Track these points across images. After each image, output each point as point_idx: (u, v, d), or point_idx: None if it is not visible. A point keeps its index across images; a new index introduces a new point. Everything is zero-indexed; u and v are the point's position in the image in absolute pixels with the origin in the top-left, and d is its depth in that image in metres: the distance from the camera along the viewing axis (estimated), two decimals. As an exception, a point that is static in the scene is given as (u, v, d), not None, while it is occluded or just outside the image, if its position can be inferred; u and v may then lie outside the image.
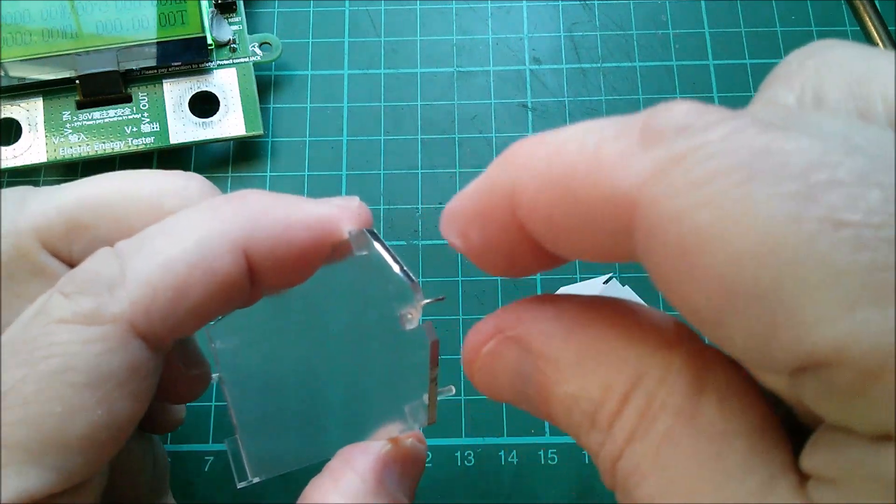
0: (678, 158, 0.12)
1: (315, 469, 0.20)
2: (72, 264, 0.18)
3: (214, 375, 0.21)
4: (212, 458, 0.29)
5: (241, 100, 0.33)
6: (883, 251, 0.10)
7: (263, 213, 0.18)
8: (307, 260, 0.18)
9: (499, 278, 0.32)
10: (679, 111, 0.13)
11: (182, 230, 0.17)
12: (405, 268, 0.18)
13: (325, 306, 0.21)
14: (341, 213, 0.18)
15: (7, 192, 0.19)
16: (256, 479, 0.20)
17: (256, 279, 0.18)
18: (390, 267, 0.18)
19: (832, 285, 0.10)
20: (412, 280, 0.17)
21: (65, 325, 0.16)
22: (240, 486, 0.20)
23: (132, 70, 0.32)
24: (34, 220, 0.18)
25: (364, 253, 0.18)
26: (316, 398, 0.22)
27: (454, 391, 0.20)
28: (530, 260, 0.15)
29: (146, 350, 0.16)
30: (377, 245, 0.18)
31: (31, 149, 0.32)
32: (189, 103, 0.33)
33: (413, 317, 0.17)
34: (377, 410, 0.20)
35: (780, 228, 0.10)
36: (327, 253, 0.18)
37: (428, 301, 0.17)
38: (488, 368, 0.16)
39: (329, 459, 0.20)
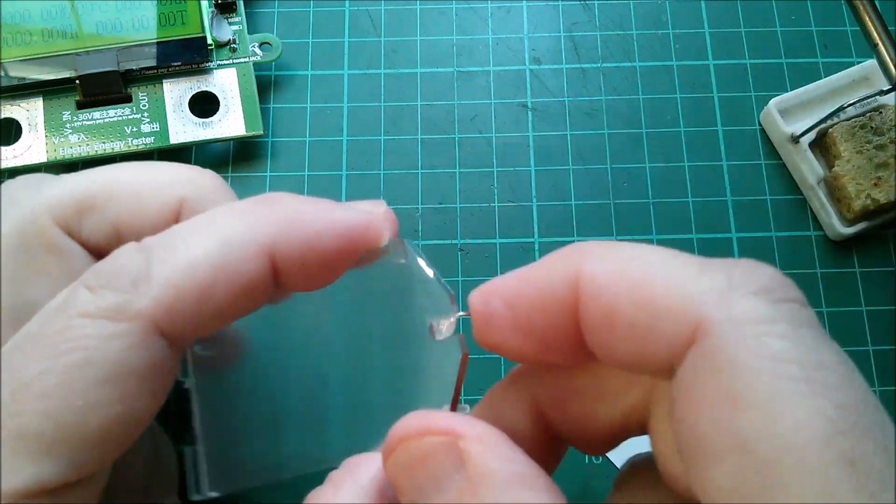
0: (750, 311, 0.13)
1: (318, 479, 0.19)
2: (83, 243, 0.19)
3: (187, 382, 0.20)
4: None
5: (241, 100, 0.33)
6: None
7: (293, 219, 0.17)
8: (333, 266, 0.18)
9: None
10: (765, 273, 0.14)
11: (210, 230, 0.17)
12: (442, 280, 0.18)
13: (336, 312, 0.21)
14: (371, 221, 0.18)
15: (27, 177, 0.20)
16: (214, 494, 0.20)
17: (281, 283, 0.18)
18: (430, 277, 0.18)
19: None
20: (450, 292, 0.17)
21: (89, 319, 0.16)
22: (193, 498, 0.19)
23: (132, 70, 0.32)
24: (48, 199, 0.19)
25: (402, 261, 0.18)
26: (312, 409, 0.21)
27: (469, 410, 0.19)
28: (559, 353, 0.16)
29: (166, 348, 0.16)
30: (415, 255, 0.18)
31: (31, 149, 0.32)
32: (189, 103, 0.33)
33: (447, 328, 0.18)
34: (386, 418, 0.20)
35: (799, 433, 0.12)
36: (354, 260, 0.18)
37: (463, 314, 0.18)
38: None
39: (306, 473, 0.20)
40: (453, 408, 0.18)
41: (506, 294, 0.16)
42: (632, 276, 0.15)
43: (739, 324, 0.13)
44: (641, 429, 0.17)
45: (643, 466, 0.17)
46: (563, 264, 0.16)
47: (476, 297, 0.17)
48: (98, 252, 0.19)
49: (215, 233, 0.17)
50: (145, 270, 0.16)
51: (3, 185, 0.20)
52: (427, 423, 0.16)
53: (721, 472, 0.13)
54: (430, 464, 0.15)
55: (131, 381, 0.16)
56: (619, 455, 0.25)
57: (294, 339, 0.22)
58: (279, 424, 0.21)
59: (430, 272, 0.18)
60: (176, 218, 0.19)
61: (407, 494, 0.16)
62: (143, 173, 0.20)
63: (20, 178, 0.20)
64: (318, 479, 0.19)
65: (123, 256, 0.17)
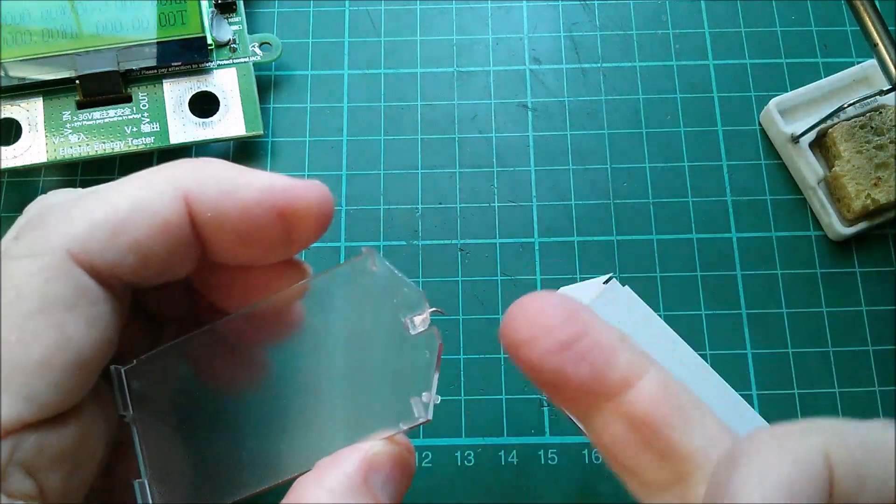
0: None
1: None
2: (107, 275, 0.18)
3: (127, 417, 0.20)
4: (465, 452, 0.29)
5: (241, 100, 0.33)
6: None
7: (210, 170, 0.18)
8: (254, 225, 0.18)
9: (498, 278, 0.32)
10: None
11: (130, 179, 0.18)
12: (410, 281, 0.19)
13: (308, 324, 0.21)
14: (294, 184, 0.19)
15: (40, 209, 0.18)
16: None
17: (203, 237, 0.18)
18: (402, 279, 0.19)
19: None
20: (421, 290, 0.19)
21: (14, 260, 0.17)
22: None
23: (132, 70, 0.32)
24: (68, 239, 0.17)
25: (374, 268, 0.19)
26: (278, 420, 0.21)
27: (439, 400, 0.20)
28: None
29: (89, 279, 0.17)
30: (384, 261, 0.19)
31: (31, 149, 0.32)
32: (189, 103, 0.33)
33: (421, 322, 0.19)
34: (370, 411, 0.20)
35: None
36: (284, 227, 0.19)
37: (434, 310, 0.19)
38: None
39: (268, 486, 0.20)
40: (434, 392, 0.19)
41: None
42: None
43: None
44: None
45: None
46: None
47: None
48: (121, 280, 0.18)
49: (135, 180, 0.18)
50: (62, 213, 0.17)
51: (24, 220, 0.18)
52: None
53: None
54: None
55: (59, 309, 0.16)
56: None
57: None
58: (235, 445, 0.21)
59: (400, 274, 0.19)
60: (191, 220, 0.18)
61: None
62: (142, 186, 0.18)
63: (35, 210, 0.19)
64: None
65: (41, 204, 0.18)
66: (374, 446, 0.19)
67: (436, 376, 0.19)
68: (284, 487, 0.19)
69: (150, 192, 0.18)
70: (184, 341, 0.21)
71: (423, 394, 0.19)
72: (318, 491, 0.18)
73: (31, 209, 0.19)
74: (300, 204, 0.18)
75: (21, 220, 0.19)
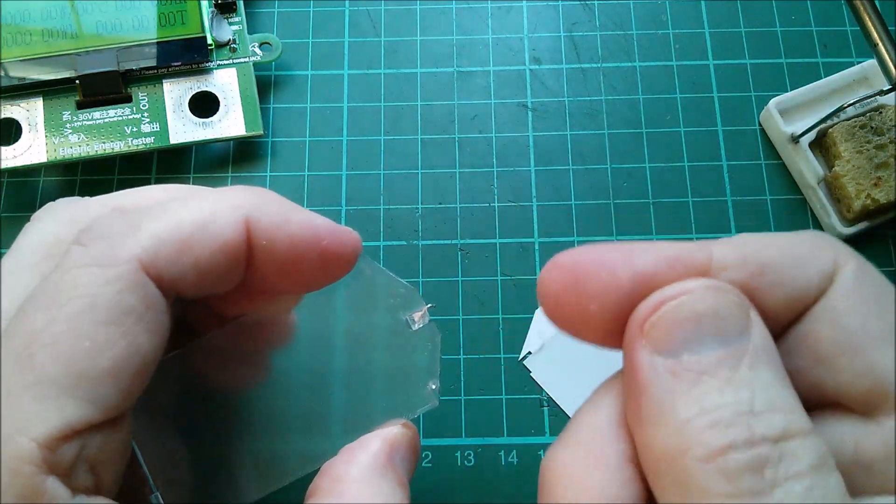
0: None
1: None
2: (171, 289, 0.18)
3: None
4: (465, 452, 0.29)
5: (241, 100, 0.33)
6: None
7: (267, 200, 0.20)
8: (300, 257, 0.20)
9: (498, 278, 0.32)
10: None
11: (195, 198, 0.19)
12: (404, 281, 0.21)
13: (309, 331, 0.23)
14: (342, 229, 0.20)
15: (108, 216, 0.19)
16: None
17: (253, 261, 0.19)
18: (398, 280, 0.21)
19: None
20: (415, 290, 0.21)
21: (85, 269, 0.17)
22: None
23: (132, 70, 0.32)
24: (139, 250, 0.18)
25: (368, 272, 0.21)
26: (281, 422, 0.22)
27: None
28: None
29: (156, 290, 0.18)
30: (378, 265, 0.22)
31: (31, 149, 0.32)
32: (189, 103, 0.33)
33: (420, 318, 0.21)
34: (377, 407, 0.22)
35: None
36: (324, 266, 0.20)
37: (430, 306, 0.21)
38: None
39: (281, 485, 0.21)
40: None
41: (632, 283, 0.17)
42: (755, 246, 0.17)
43: (854, 256, 0.17)
44: None
45: None
46: (692, 254, 0.17)
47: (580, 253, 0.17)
48: (179, 293, 0.19)
49: (199, 201, 0.19)
50: (132, 226, 0.18)
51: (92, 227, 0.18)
52: (713, 281, 0.16)
53: (883, 353, 0.15)
54: (718, 319, 0.16)
55: (130, 320, 0.17)
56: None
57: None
58: (248, 445, 0.22)
59: (394, 276, 0.21)
60: (248, 244, 0.19)
61: (677, 334, 0.16)
62: (207, 206, 0.19)
63: (98, 218, 0.19)
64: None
65: (112, 217, 0.18)
66: (393, 430, 0.21)
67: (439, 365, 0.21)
68: (294, 489, 0.19)
69: (215, 213, 0.19)
70: (184, 351, 0.21)
71: (430, 381, 0.21)
72: (349, 468, 0.20)
73: (90, 215, 0.19)
74: (339, 247, 0.20)
75: (70, 225, 0.19)
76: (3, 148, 0.31)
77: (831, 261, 0.17)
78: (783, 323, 0.17)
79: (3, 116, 0.32)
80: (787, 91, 0.33)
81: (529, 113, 0.34)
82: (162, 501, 0.20)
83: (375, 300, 0.22)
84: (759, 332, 0.16)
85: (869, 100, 0.32)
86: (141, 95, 0.33)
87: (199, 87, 0.33)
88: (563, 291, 0.17)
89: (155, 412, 0.21)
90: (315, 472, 0.21)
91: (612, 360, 0.33)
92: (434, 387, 0.22)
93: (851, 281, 0.16)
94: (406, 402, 0.22)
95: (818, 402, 0.16)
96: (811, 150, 0.32)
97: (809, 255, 0.17)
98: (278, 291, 0.21)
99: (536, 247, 0.32)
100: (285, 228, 0.19)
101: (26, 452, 0.15)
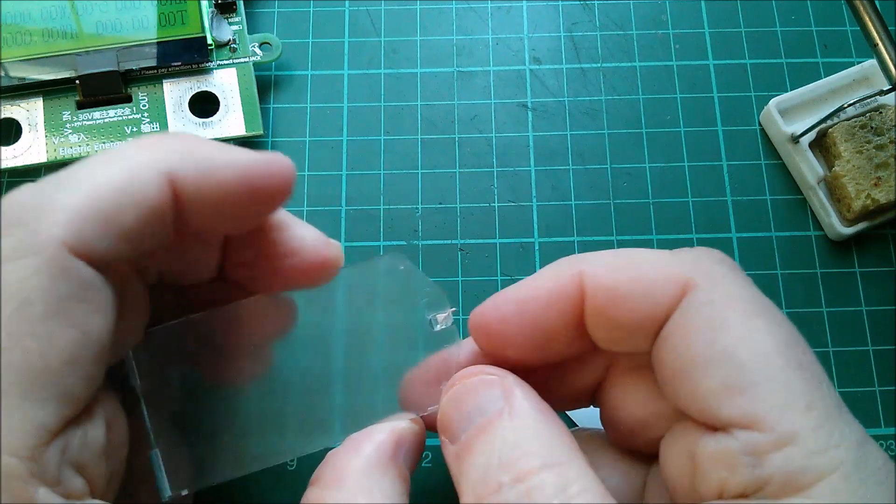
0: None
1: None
2: (103, 263, 0.17)
3: (137, 388, 0.20)
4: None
5: (241, 100, 0.33)
6: None
7: (192, 149, 0.19)
8: (233, 198, 0.19)
9: (498, 278, 0.32)
10: (716, 252, 0.21)
11: (111, 159, 0.18)
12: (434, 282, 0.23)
13: (336, 313, 0.23)
14: (271, 160, 0.20)
15: (22, 197, 0.17)
16: (184, 492, 0.20)
17: (183, 212, 0.19)
18: (428, 280, 0.22)
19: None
20: (444, 291, 0.22)
21: (10, 263, 0.16)
22: (164, 499, 0.20)
23: (132, 70, 0.32)
24: (58, 228, 0.16)
25: (401, 267, 0.22)
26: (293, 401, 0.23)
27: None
28: (558, 348, 0.21)
29: (90, 269, 0.17)
30: (411, 262, 0.23)
31: (31, 149, 0.32)
32: (189, 103, 0.33)
33: (443, 320, 0.22)
34: (382, 402, 0.23)
35: None
36: (262, 203, 0.20)
37: (454, 309, 0.22)
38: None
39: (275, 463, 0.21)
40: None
41: (517, 299, 0.21)
42: (624, 264, 0.20)
43: (714, 279, 0.19)
44: (591, 401, 0.23)
45: (586, 434, 0.24)
46: (566, 267, 0.20)
47: (487, 308, 0.21)
48: (112, 264, 0.18)
49: (117, 161, 0.18)
50: (48, 201, 0.17)
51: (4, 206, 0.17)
52: (481, 368, 0.20)
53: (710, 377, 0.18)
54: (480, 394, 0.19)
55: (70, 307, 0.16)
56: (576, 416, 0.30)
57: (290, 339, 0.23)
58: (245, 417, 0.22)
59: (424, 275, 0.22)
60: (177, 198, 0.18)
61: (454, 423, 0.20)
62: (126, 169, 0.18)
63: (11, 207, 0.17)
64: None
65: (23, 192, 0.17)
66: (401, 423, 0.21)
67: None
68: (294, 481, 0.19)
69: (133, 175, 0.17)
70: (189, 319, 0.21)
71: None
72: (351, 459, 0.20)
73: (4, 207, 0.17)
74: (270, 180, 0.20)
75: None
76: (3, 148, 0.31)
77: (680, 287, 0.19)
78: (649, 342, 0.20)
79: (3, 116, 0.32)
80: (787, 91, 0.33)
81: (529, 113, 0.34)
82: (161, 461, 0.20)
83: (404, 295, 0.23)
84: (519, 395, 0.19)
85: (869, 100, 0.32)
86: (141, 95, 0.33)
87: (199, 87, 0.33)
88: (486, 347, 0.21)
89: (159, 379, 0.21)
90: (319, 456, 0.21)
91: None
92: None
93: (689, 308, 0.19)
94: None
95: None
96: (811, 150, 0.32)
97: (660, 281, 0.19)
98: (221, 233, 0.21)
99: (536, 247, 0.32)
100: (213, 174, 0.19)
101: (11, 469, 0.15)
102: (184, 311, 0.22)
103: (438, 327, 0.22)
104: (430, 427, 0.22)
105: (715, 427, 0.18)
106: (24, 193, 0.17)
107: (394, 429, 0.21)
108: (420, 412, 0.22)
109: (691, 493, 0.18)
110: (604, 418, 0.23)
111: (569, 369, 0.22)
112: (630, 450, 0.22)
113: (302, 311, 0.23)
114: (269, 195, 0.20)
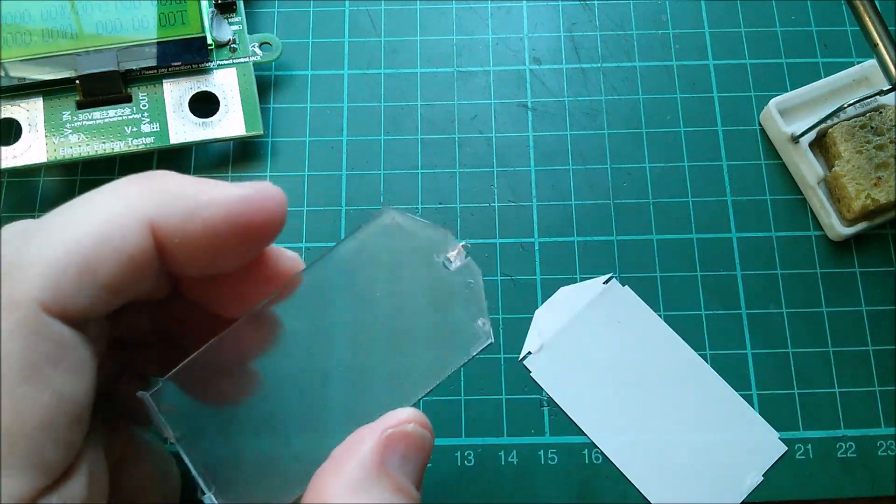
0: None
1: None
2: (82, 318, 0.17)
3: (170, 438, 0.20)
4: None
5: (241, 100, 0.33)
6: None
7: (173, 192, 0.18)
8: (221, 240, 0.18)
9: (499, 278, 0.32)
10: None
11: (90, 208, 0.17)
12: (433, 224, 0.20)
13: (327, 306, 0.21)
14: (254, 192, 0.18)
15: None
16: None
17: (168, 258, 0.18)
18: (427, 223, 0.20)
19: None
20: (448, 228, 0.21)
21: None
22: None
23: (132, 70, 0.32)
24: (32, 285, 0.16)
25: (398, 221, 0.20)
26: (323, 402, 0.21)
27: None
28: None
29: (66, 328, 0.16)
30: (404, 212, 0.20)
31: (31, 149, 0.32)
32: (189, 103, 0.33)
33: (455, 257, 0.20)
34: (418, 366, 0.21)
35: None
36: (250, 238, 0.18)
37: (464, 243, 0.21)
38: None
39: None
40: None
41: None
42: None
43: None
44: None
45: None
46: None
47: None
48: (92, 319, 0.17)
49: (95, 209, 0.17)
50: (25, 255, 0.16)
51: None
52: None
53: None
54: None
55: (46, 369, 0.15)
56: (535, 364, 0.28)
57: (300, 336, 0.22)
58: (285, 434, 0.21)
59: (421, 219, 0.20)
60: (160, 243, 0.18)
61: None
62: (103, 218, 0.17)
63: None
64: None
65: None
66: (390, 426, 0.19)
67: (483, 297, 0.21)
68: None
69: (112, 225, 0.17)
70: (203, 351, 0.20)
71: (479, 319, 0.21)
72: (332, 483, 0.18)
73: None
74: (261, 214, 0.18)
75: None
76: (3, 148, 0.31)
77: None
78: None
79: (3, 116, 0.32)
80: (787, 91, 0.33)
81: (529, 113, 0.34)
82: (216, 500, 0.19)
83: (407, 248, 0.21)
84: None
85: (869, 100, 0.32)
86: (141, 95, 0.33)
87: (199, 87, 0.33)
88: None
89: (185, 423, 0.20)
90: None
91: (611, 360, 0.33)
92: (483, 323, 0.21)
93: None
94: (456, 349, 0.21)
95: None
96: (811, 150, 0.32)
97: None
98: (213, 273, 0.19)
99: (536, 247, 0.32)
100: (197, 215, 0.17)
101: None
102: (144, 332, 0.21)
103: (454, 266, 0.20)
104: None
105: None
106: (6, 242, 0.16)
107: (381, 433, 0.18)
108: (465, 357, 0.21)
109: None
110: None
111: None
112: None
113: (305, 310, 0.21)
114: (260, 231, 0.18)
